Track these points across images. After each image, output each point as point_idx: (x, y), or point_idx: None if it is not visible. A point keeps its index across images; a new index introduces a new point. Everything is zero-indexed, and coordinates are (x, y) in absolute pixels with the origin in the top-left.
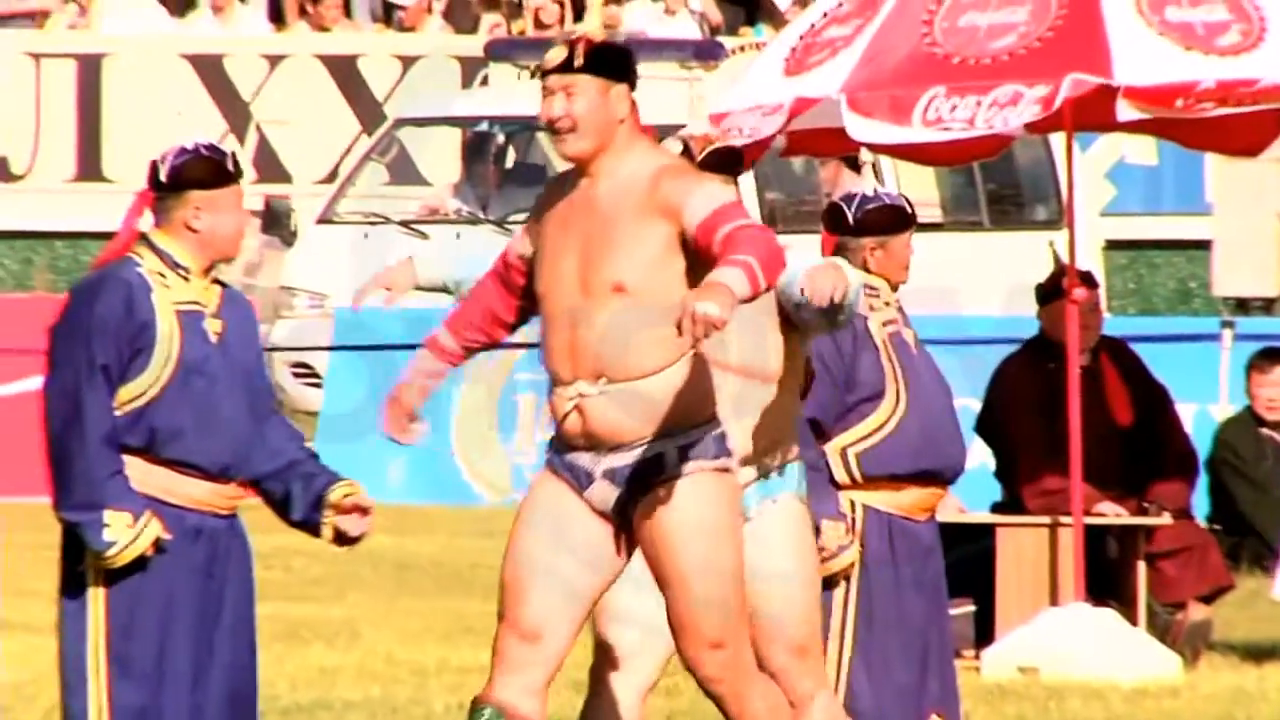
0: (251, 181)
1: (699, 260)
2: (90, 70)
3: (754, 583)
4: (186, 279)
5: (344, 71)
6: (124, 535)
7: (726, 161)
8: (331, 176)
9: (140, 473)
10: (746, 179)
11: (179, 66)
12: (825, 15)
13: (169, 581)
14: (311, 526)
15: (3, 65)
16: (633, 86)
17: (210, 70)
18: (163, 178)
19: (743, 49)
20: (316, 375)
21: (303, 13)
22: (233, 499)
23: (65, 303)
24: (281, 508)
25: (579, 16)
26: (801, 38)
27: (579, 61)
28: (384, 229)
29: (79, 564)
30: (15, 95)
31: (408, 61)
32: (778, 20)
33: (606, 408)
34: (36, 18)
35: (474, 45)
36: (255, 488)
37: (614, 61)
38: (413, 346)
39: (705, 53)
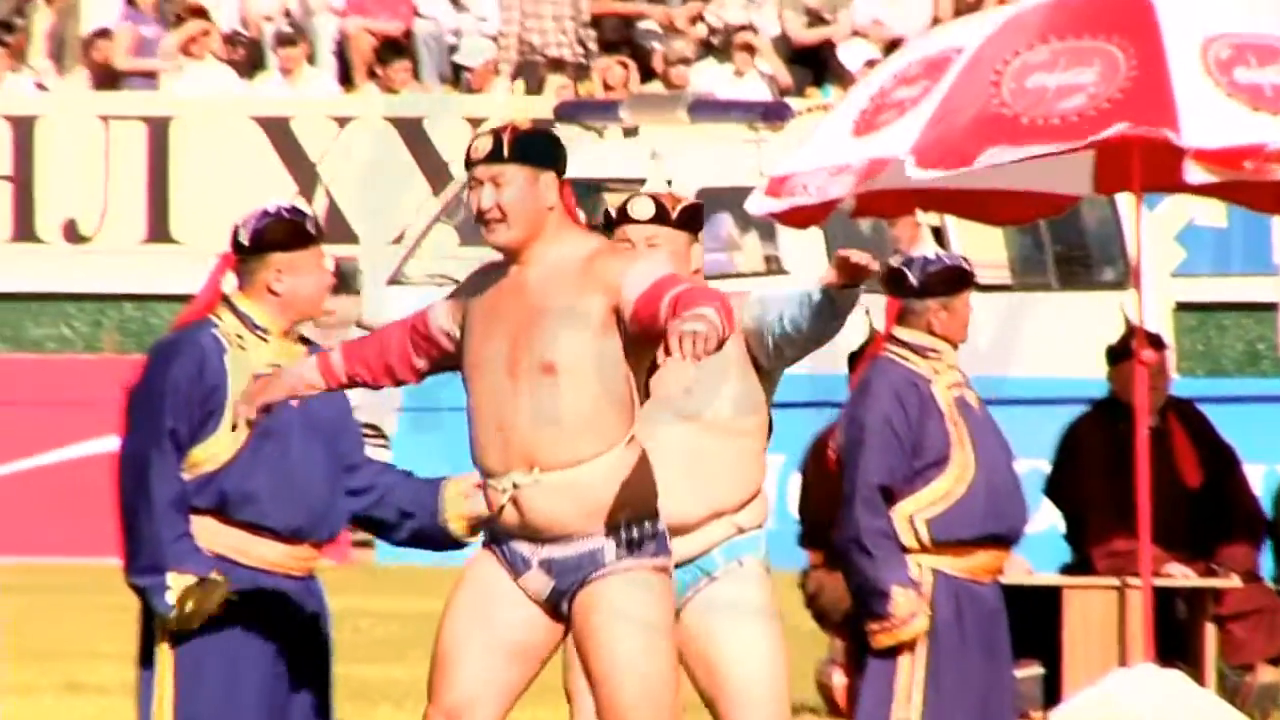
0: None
1: (638, 337)
2: (159, 132)
3: (719, 653)
4: (265, 340)
5: (412, 133)
6: (190, 598)
7: (696, 218)
8: (400, 238)
9: (211, 532)
10: (816, 237)
11: (248, 128)
12: (894, 76)
13: (238, 643)
14: (441, 533)
15: (73, 127)
16: (561, 173)
17: (278, 132)
18: (244, 241)
19: (810, 110)
20: (385, 437)
21: (371, 75)
22: (307, 561)
23: (143, 366)
24: (396, 527)
25: (645, 78)
26: (871, 99)
27: (506, 151)
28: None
29: (151, 625)
30: (85, 157)
31: (476, 123)
32: (846, 82)
33: (543, 498)
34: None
35: (542, 107)
36: (362, 524)
37: (541, 149)
38: None
39: (773, 114)
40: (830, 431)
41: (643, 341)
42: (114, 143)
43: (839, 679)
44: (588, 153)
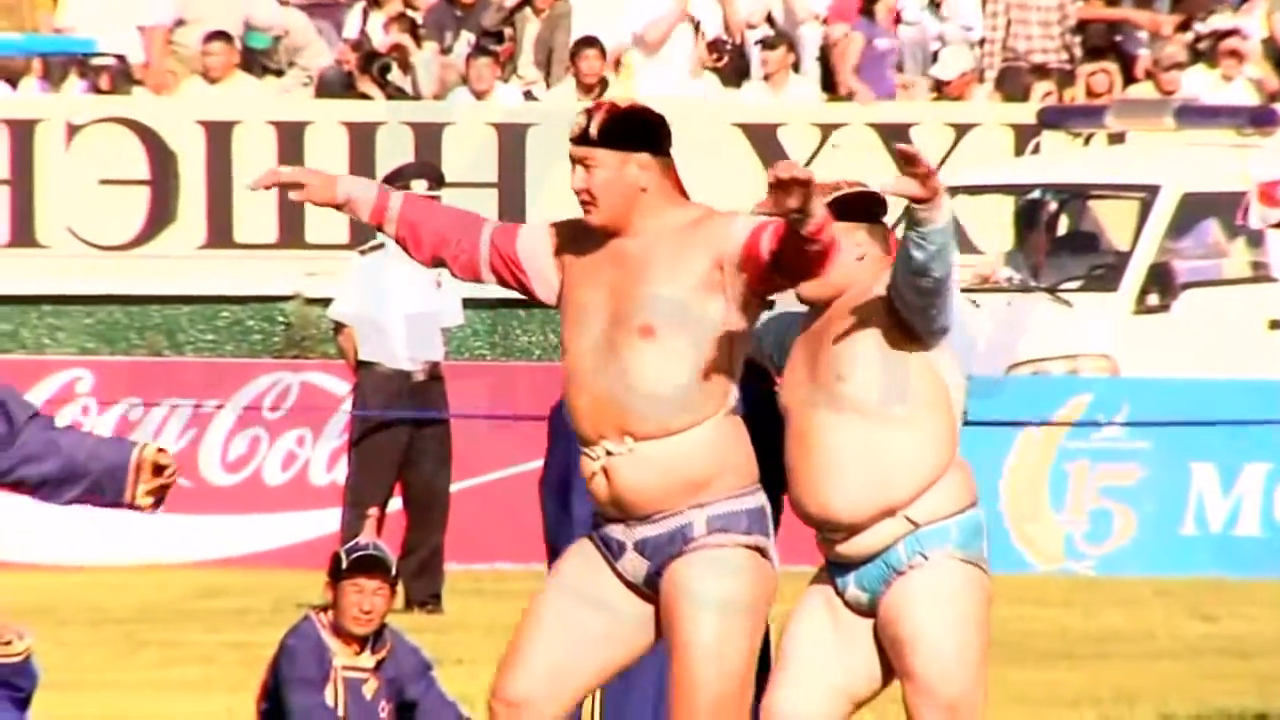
0: None
1: (748, 282)
2: None
3: (899, 644)
4: None
5: (895, 139)
6: None
7: (855, 208)
8: None
9: None
10: None
11: (731, 135)
12: None
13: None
14: None
15: (560, 135)
16: (659, 152)
17: (763, 139)
18: None
19: None
20: None
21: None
22: None
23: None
24: None
25: (1128, 82)
26: None
27: (593, 133)
28: None
29: None
30: (561, 164)
31: (960, 130)
32: None
33: (634, 469)
34: (593, 89)
35: (1026, 113)
36: None
37: (630, 132)
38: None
39: (1261, 119)
40: None
41: (752, 288)
42: None
43: None
44: (1073, 159)
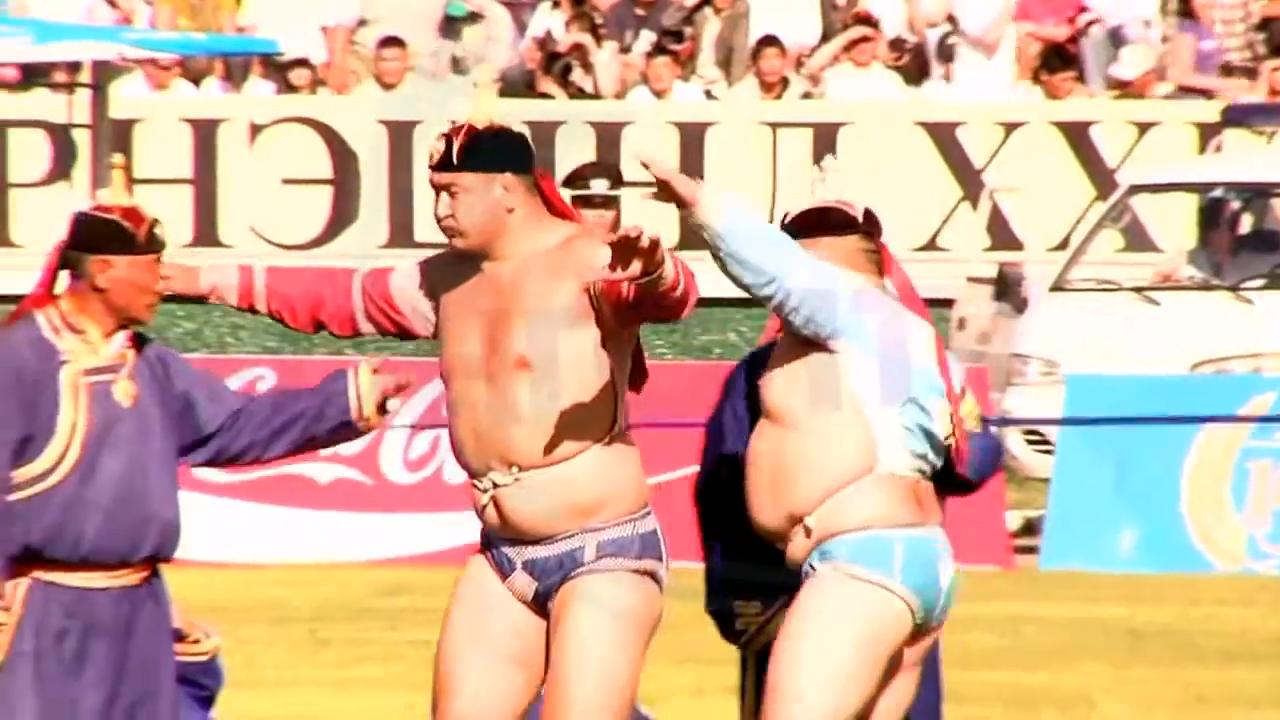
0: (984, 249)
1: (612, 314)
2: (824, 139)
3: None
4: None
5: (1077, 138)
6: (755, 624)
7: (808, 221)
8: (1063, 244)
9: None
10: None
11: (913, 134)
12: None
13: None
14: None
15: (740, 135)
16: (522, 171)
17: (944, 138)
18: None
19: None
20: (1048, 442)
21: (1036, 80)
22: None
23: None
24: None
25: None
26: None
27: (455, 158)
28: (1116, 296)
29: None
30: (752, 165)
31: (1141, 128)
32: None
33: (522, 498)
34: (774, 88)
35: (1209, 111)
36: None
37: (494, 152)
38: (1143, 419)
39: None
40: None
41: (618, 319)
42: (781, 150)
43: None
44: (1256, 157)
